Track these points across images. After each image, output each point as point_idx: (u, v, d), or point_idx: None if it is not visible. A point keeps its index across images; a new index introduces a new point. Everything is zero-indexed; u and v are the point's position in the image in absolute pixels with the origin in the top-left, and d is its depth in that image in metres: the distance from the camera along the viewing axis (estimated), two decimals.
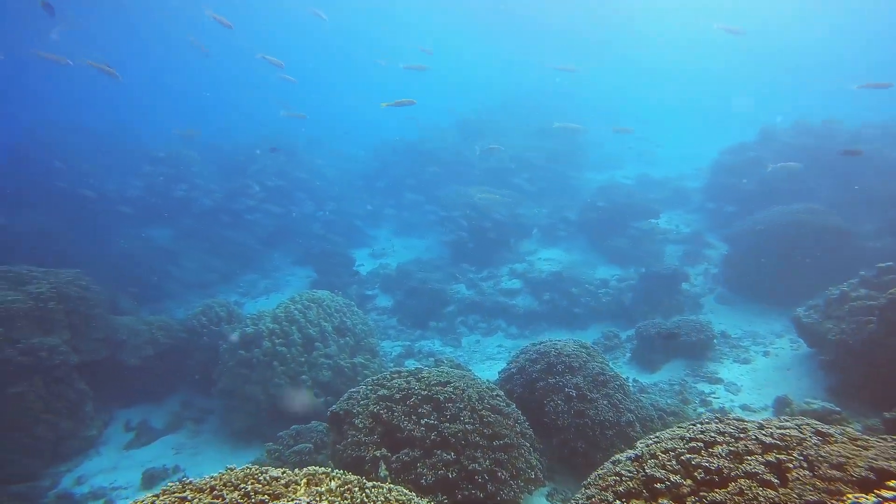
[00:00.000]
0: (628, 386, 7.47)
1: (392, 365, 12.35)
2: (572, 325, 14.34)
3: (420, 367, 10.35)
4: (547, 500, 6.19)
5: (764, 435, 3.63)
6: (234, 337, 10.26)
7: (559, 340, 7.85)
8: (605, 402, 6.78)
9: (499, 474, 5.36)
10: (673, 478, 3.52)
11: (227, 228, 19.93)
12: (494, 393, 6.49)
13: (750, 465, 3.37)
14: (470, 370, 9.31)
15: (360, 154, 29.91)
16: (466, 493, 5.15)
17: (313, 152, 26.27)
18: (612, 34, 53.41)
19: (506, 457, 5.60)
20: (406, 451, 5.44)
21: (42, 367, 9.96)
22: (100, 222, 19.13)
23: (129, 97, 43.96)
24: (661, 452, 3.82)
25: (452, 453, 5.40)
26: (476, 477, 5.25)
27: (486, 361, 12.85)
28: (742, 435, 3.72)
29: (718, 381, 10.06)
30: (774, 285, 12.98)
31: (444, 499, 5.07)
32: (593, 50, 52.36)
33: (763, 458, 3.43)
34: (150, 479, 9.08)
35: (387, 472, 5.31)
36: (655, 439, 4.01)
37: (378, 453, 5.45)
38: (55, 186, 19.48)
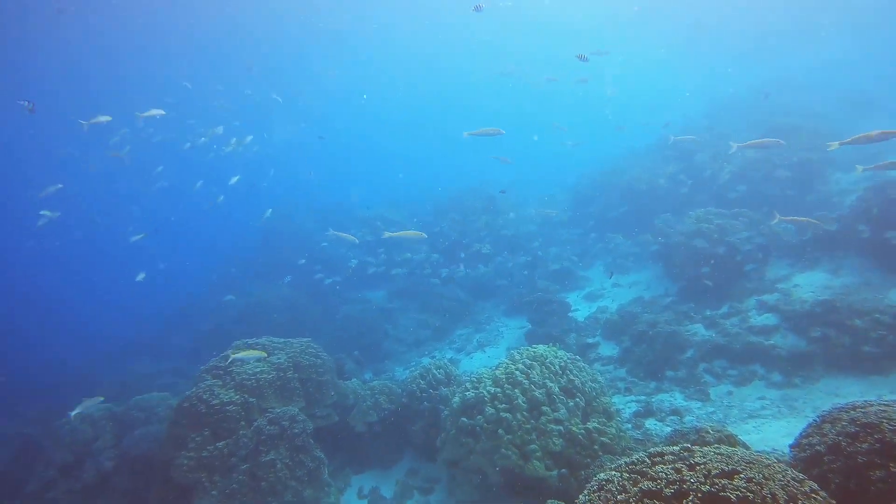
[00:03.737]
0: None
1: (630, 426, 10.57)
2: (865, 370, 10.99)
3: (677, 437, 8.47)
4: None
5: None
6: (455, 402, 9.58)
7: (887, 403, 5.53)
8: None
9: None
10: None
11: (436, 283, 20.20)
12: (807, 488, 4.56)
13: None
14: (737, 437, 7.30)
15: (559, 195, 28.81)
16: None
17: (513, 197, 26.02)
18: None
19: None
20: None
21: (286, 436, 10.41)
22: (324, 288, 20.85)
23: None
24: None
25: None
26: None
27: (750, 420, 10.27)
28: None
29: None
30: None
31: None
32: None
33: None
34: None
35: None
36: None
37: None
38: (294, 261, 21.99)
